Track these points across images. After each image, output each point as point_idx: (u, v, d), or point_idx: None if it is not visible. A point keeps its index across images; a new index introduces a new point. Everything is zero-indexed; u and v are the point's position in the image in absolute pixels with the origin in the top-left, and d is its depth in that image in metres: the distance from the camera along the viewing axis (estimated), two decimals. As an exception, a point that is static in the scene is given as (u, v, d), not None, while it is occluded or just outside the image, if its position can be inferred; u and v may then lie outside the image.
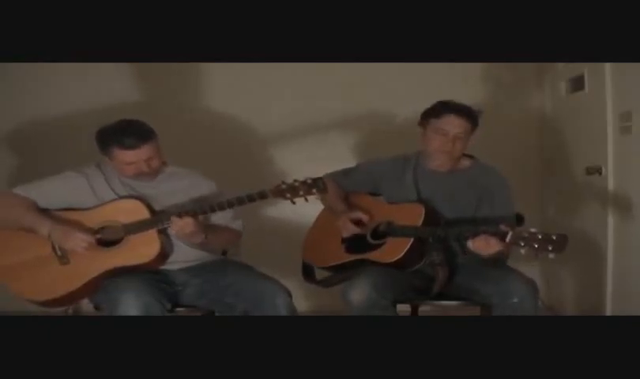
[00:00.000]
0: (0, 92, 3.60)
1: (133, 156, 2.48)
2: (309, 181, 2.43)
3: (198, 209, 2.47)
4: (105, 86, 3.59)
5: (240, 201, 2.46)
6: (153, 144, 2.51)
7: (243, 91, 3.68)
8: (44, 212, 2.53)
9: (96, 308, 2.60)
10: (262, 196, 2.45)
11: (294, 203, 2.44)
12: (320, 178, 2.46)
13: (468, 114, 2.59)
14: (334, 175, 2.83)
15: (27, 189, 2.56)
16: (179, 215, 2.42)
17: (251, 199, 2.44)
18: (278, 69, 3.51)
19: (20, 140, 3.63)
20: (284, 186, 2.44)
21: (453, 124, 2.57)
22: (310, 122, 3.69)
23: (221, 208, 2.46)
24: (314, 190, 2.43)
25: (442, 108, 2.61)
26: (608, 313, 3.10)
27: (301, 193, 2.43)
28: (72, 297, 2.52)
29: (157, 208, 2.55)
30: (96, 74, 3.52)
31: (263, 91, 3.69)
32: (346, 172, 2.85)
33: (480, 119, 2.63)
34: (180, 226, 2.42)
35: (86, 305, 2.66)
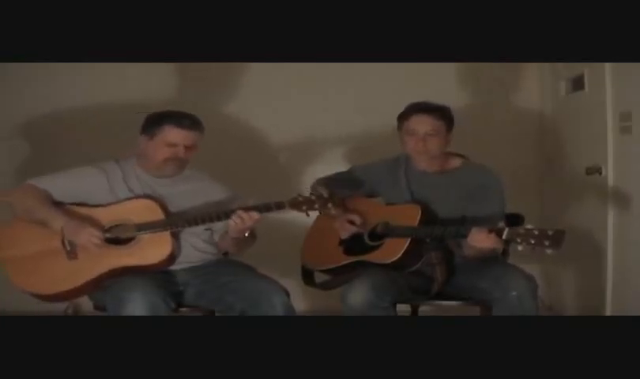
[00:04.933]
0: (7, 86, 3.59)
1: (180, 137, 2.53)
2: (325, 195, 2.50)
3: (215, 215, 2.49)
4: (103, 87, 3.59)
5: (258, 211, 2.47)
6: (200, 135, 2.58)
7: (244, 91, 3.68)
8: (58, 205, 2.52)
9: (96, 307, 2.59)
10: (279, 206, 2.49)
11: (308, 215, 2.53)
12: (335, 194, 2.52)
13: (436, 112, 2.61)
14: (328, 179, 2.84)
15: (42, 180, 2.56)
16: (245, 210, 2.44)
17: (268, 209, 2.48)
18: (283, 69, 3.51)
19: (29, 134, 3.61)
20: (300, 199, 2.50)
21: (421, 123, 2.59)
22: (314, 122, 3.68)
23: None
24: (330, 205, 2.50)
25: (410, 109, 2.65)
26: (608, 313, 3.09)
27: (316, 206, 2.51)
28: (75, 293, 2.51)
29: (172, 208, 2.55)
30: (93, 74, 3.51)
31: (267, 91, 3.68)
32: (339, 176, 2.86)
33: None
34: (243, 218, 2.43)
35: (86, 306, 2.65)
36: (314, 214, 2.73)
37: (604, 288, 3.12)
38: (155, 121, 2.57)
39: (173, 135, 2.53)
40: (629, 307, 2.94)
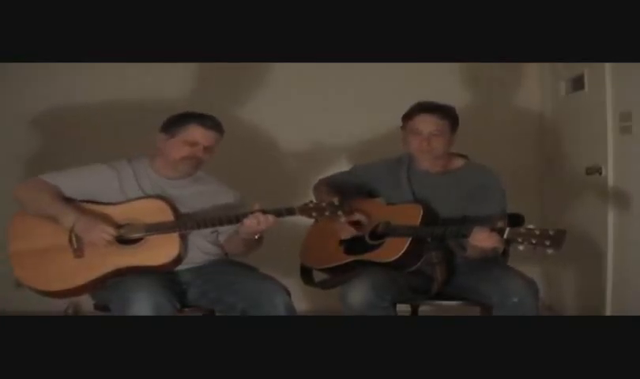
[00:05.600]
0: (7, 86, 3.58)
1: (203, 136, 2.54)
2: (335, 202, 2.50)
3: (226, 218, 2.49)
4: (102, 87, 3.58)
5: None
6: (220, 137, 2.59)
7: (244, 91, 3.68)
8: (69, 201, 2.51)
9: (97, 307, 2.59)
10: (290, 212, 2.50)
11: (317, 221, 2.53)
12: (346, 201, 2.53)
13: (441, 112, 2.61)
14: (330, 179, 2.84)
15: (53, 176, 2.55)
16: (263, 212, 2.44)
17: (279, 214, 2.48)
18: (284, 69, 3.51)
19: (29, 134, 3.61)
20: (311, 205, 2.51)
21: (426, 122, 2.59)
22: (314, 122, 3.68)
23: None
24: (340, 212, 2.51)
25: (414, 108, 2.64)
26: (608, 313, 3.09)
27: (327, 213, 2.51)
28: (78, 291, 2.50)
29: (182, 209, 2.55)
30: (93, 74, 3.50)
31: (267, 91, 3.68)
32: (341, 176, 2.86)
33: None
34: (260, 220, 2.43)
35: (86, 306, 2.65)
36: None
37: (604, 288, 3.12)
38: (178, 120, 2.57)
39: (196, 134, 2.54)
40: (629, 307, 2.94)
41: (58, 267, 2.47)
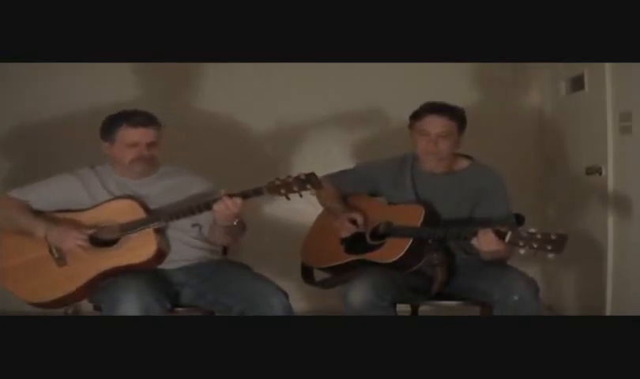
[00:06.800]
0: (7, 86, 3.58)
1: (139, 135, 2.52)
2: (302, 176, 2.42)
3: (196, 207, 2.46)
4: (101, 86, 3.58)
5: (239, 197, 2.43)
6: (158, 130, 2.57)
7: (245, 91, 3.68)
8: (39, 213, 2.54)
9: (96, 308, 2.59)
10: (257, 192, 2.44)
11: (288, 199, 2.42)
12: (313, 174, 2.43)
13: (450, 113, 2.59)
14: (332, 176, 2.84)
15: (22, 192, 2.58)
16: (229, 196, 2.40)
17: (246, 195, 2.43)
18: (283, 69, 3.51)
19: (15, 142, 3.62)
20: (277, 182, 2.43)
21: (434, 124, 2.57)
22: (314, 122, 3.68)
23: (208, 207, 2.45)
24: (308, 186, 2.42)
25: (423, 109, 2.62)
26: (608, 313, 3.09)
27: (295, 188, 2.41)
28: (70, 298, 2.52)
29: (153, 206, 2.55)
30: (93, 74, 3.50)
31: (267, 91, 3.68)
32: (344, 174, 2.86)
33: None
34: (227, 205, 2.39)
35: (86, 306, 2.65)
36: (310, 209, 2.73)
37: (604, 288, 3.12)
38: (110, 126, 2.57)
39: (131, 135, 2.53)
40: (629, 307, 2.94)
41: (46, 278, 2.49)
